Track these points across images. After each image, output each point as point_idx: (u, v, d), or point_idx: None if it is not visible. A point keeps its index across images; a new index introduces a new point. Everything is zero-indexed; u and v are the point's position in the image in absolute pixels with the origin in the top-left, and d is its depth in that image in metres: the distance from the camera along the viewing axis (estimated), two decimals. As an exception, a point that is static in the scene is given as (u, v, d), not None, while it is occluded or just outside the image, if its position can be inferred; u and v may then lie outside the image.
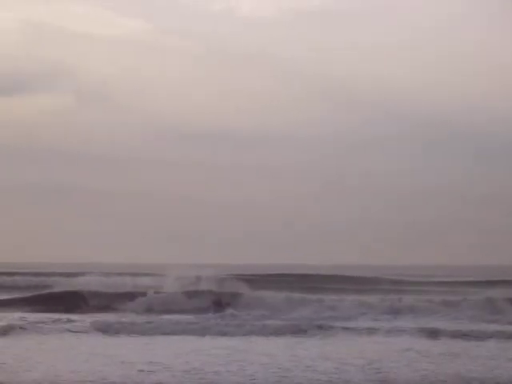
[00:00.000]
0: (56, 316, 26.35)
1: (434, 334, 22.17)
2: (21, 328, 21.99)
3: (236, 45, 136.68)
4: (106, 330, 22.19)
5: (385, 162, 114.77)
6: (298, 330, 22.62)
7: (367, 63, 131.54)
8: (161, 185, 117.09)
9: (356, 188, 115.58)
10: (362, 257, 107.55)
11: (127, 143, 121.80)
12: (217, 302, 32.49)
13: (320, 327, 23.15)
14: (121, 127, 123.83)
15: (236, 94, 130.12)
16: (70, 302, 32.64)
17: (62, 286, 38.34)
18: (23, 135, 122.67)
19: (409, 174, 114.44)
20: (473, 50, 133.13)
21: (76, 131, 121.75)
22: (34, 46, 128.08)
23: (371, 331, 22.89)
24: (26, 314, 27.34)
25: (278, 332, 22.38)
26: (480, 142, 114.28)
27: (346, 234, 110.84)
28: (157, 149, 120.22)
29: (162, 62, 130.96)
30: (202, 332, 22.22)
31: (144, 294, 32.96)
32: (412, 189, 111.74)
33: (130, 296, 33.12)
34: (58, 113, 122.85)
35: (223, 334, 22.07)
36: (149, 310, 30.86)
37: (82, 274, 49.80)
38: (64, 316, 26.25)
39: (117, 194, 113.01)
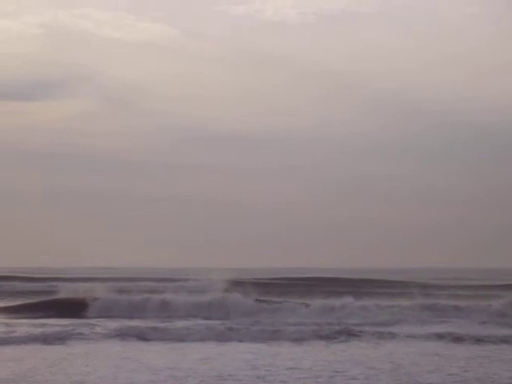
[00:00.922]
0: (80, 322, 26.59)
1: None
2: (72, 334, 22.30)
3: (260, 48, 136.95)
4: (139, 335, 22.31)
5: (401, 163, 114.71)
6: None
7: (388, 64, 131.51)
8: (186, 188, 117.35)
9: (369, 190, 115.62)
10: (368, 259, 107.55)
11: (151, 148, 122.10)
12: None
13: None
14: (145, 132, 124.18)
15: (260, 96, 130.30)
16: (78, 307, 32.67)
17: (70, 291, 38.51)
18: (47, 140, 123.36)
19: (427, 177, 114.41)
20: (489, 49, 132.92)
21: (100, 136, 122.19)
22: (57, 52, 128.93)
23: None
24: (49, 320, 27.52)
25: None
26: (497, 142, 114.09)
27: (352, 235, 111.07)
28: (181, 152, 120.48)
29: (185, 66, 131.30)
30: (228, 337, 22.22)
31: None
32: (427, 190, 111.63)
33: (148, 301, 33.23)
34: (81, 118, 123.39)
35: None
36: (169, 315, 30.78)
37: (101, 279, 50.20)
38: (85, 322, 26.49)
39: (141, 199, 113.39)
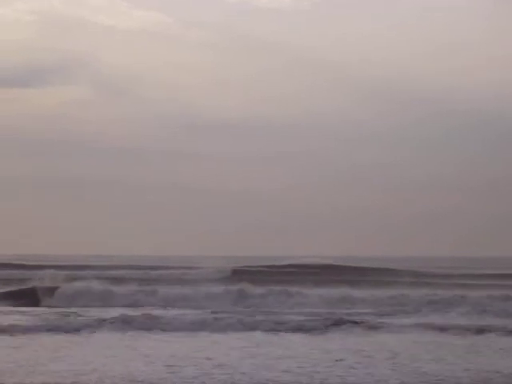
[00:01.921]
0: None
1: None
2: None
3: (254, 35, 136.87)
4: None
5: (396, 152, 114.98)
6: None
7: (384, 52, 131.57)
8: (182, 176, 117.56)
9: (364, 179, 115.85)
10: (362, 247, 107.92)
11: (146, 135, 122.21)
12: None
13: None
14: (140, 119, 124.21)
15: (255, 83, 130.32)
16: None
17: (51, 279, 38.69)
18: (41, 127, 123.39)
19: (423, 165, 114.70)
20: (487, 38, 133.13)
21: (94, 123, 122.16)
22: (52, 38, 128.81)
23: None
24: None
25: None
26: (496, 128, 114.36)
27: (348, 224, 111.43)
28: (177, 140, 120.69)
29: (180, 54, 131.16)
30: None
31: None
32: (423, 179, 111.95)
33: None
34: (76, 105, 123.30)
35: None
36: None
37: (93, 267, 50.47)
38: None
39: (134, 186, 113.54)
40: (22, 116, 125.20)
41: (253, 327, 22.39)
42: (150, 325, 22.37)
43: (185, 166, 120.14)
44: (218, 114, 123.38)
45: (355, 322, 23.20)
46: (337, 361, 16.68)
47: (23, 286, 36.34)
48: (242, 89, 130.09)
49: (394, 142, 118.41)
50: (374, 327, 22.78)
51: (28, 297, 33.41)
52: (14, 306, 30.17)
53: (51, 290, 33.90)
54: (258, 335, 21.12)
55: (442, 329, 22.40)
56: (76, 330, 21.54)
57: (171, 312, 27.03)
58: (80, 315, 24.89)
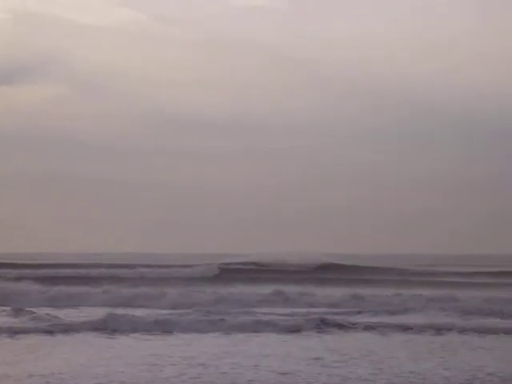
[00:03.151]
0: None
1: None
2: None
3: (230, 33, 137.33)
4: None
5: (382, 151, 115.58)
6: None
7: (364, 51, 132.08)
8: (157, 173, 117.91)
9: (350, 177, 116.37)
10: (353, 246, 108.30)
11: (124, 132, 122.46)
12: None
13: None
14: (117, 116, 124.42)
15: (232, 81, 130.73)
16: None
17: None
18: (19, 124, 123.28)
19: (408, 164, 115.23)
20: (475, 35, 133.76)
21: (73, 120, 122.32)
22: (26, 36, 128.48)
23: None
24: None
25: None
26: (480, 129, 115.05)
27: (335, 222, 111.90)
28: (153, 137, 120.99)
29: (156, 51, 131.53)
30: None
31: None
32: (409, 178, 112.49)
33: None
34: (52, 102, 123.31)
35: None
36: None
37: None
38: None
39: (112, 183, 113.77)
40: (0, 114, 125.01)
41: (233, 327, 22.53)
42: (127, 325, 22.39)
43: (165, 163, 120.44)
44: (197, 112, 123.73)
45: (336, 322, 23.43)
46: (316, 359, 17.00)
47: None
48: (221, 86, 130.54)
49: (382, 139, 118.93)
50: (352, 327, 23.04)
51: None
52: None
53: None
54: (238, 335, 21.32)
55: (421, 328, 22.70)
56: (50, 331, 21.54)
57: (149, 311, 27.10)
58: (54, 316, 24.81)
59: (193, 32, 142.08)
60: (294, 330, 22.36)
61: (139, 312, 25.87)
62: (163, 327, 22.37)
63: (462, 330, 22.40)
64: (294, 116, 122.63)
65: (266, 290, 33.90)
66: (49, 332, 21.41)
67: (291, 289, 34.37)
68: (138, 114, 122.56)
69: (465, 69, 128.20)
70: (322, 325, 22.92)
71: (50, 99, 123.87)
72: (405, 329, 22.54)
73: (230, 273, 50.86)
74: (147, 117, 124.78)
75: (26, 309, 26.37)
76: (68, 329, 21.88)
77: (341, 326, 22.90)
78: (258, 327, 22.58)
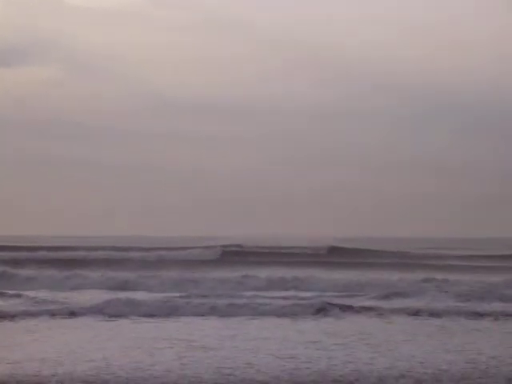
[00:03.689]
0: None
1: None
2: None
3: (222, 15, 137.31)
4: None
5: (371, 133, 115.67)
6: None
7: (353, 33, 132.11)
8: (149, 155, 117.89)
9: (337, 159, 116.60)
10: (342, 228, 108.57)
11: (119, 113, 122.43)
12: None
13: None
14: (112, 97, 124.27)
15: (227, 63, 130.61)
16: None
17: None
18: (14, 106, 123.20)
19: (394, 146, 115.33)
20: (461, 21, 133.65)
21: (67, 101, 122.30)
22: (24, 18, 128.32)
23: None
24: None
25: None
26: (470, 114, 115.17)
27: (323, 204, 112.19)
28: (146, 119, 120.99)
29: (153, 34, 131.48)
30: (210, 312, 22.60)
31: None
32: (394, 160, 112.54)
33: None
34: (49, 84, 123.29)
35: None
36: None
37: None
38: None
39: (105, 166, 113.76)
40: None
41: (233, 310, 22.65)
42: (127, 308, 22.55)
43: (163, 146, 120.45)
44: (190, 94, 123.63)
45: (338, 305, 23.44)
46: (314, 343, 17.24)
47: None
48: (215, 68, 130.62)
49: (371, 123, 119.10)
50: (348, 311, 23.05)
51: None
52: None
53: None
54: (238, 319, 21.50)
55: (418, 312, 22.85)
56: (49, 314, 21.69)
57: (150, 295, 27.18)
58: (53, 300, 24.95)
59: (191, 14, 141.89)
60: (296, 313, 22.48)
61: (139, 295, 26.01)
62: (164, 310, 22.54)
63: (462, 314, 22.60)
64: (293, 99, 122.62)
65: (266, 273, 34.04)
66: (49, 315, 21.60)
67: (292, 272, 34.50)
68: (135, 96, 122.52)
69: (450, 55, 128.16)
70: (323, 309, 22.94)
71: (47, 81, 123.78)
72: (407, 312, 22.75)
73: (232, 255, 50.97)
74: (145, 99, 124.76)
75: (26, 292, 26.58)
76: (68, 312, 22.07)
77: (343, 310, 23.02)
78: (258, 310, 22.68)
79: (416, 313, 22.61)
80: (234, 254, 51.91)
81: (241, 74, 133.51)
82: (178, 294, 26.33)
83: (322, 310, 22.78)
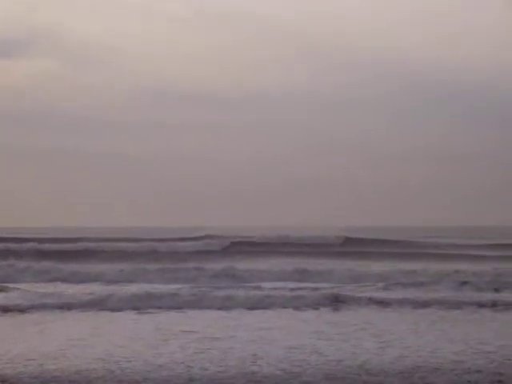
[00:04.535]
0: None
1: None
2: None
3: (222, 5, 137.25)
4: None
5: (371, 121, 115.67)
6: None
7: (353, 22, 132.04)
8: (142, 145, 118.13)
9: (340, 147, 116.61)
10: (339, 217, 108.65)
11: (116, 105, 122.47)
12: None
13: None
14: (109, 89, 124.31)
15: (225, 54, 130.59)
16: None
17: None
18: (9, 98, 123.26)
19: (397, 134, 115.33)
20: (462, 9, 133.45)
21: (64, 93, 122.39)
22: (21, 10, 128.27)
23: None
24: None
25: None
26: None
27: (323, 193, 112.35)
28: (147, 110, 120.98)
29: (150, 25, 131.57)
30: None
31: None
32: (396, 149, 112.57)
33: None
34: (48, 75, 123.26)
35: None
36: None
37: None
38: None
39: (99, 156, 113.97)
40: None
41: (240, 302, 22.56)
42: (129, 301, 22.44)
43: (158, 135, 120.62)
44: (190, 85, 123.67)
45: (346, 297, 23.34)
46: (318, 333, 17.27)
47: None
48: (213, 59, 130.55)
49: (370, 111, 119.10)
50: (351, 302, 22.92)
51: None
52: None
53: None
54: (245, 310, 21.49)
55: (424, 303, 22.76)
56: (52, 307, 21.65)
57: (155, 286, 27.08)
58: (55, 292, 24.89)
59: (187, 6, 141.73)
60: (304, 305, 22.41)
61: (144, 287, 25.98)
62: (169, 302, 22.50)
63: (475, 304, 22.57)
64: (293, 88, 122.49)
65: (276, 264, 33.94)
66: (51, 308, 21.61)
67: (301, 263, 34.40)
68: (135, 88, 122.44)
69: (446, 43, 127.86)
70: (331, 301, 22.86)
71: (43, 73, 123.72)
72: (413, 303, 22.72)
73: (239, 246, 50.75)
74: (145, 90, 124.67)
75: (27, 285, 26.56)
76: (70, 305, 22.05)
77: (351, 301, 22.95)
78: (267, 302, 22.60)
79: (427, 304, 22.45)
80: (242, 245, 51.61)
81: (241, 62, 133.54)
82: (182, 286, 26.20)
83: (334, 302, 22.69)
